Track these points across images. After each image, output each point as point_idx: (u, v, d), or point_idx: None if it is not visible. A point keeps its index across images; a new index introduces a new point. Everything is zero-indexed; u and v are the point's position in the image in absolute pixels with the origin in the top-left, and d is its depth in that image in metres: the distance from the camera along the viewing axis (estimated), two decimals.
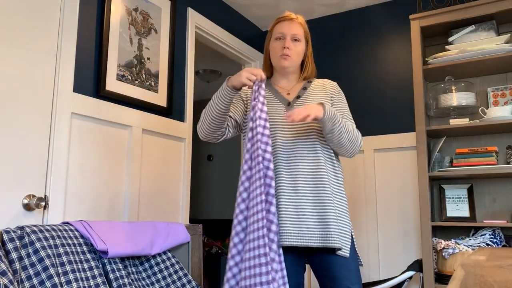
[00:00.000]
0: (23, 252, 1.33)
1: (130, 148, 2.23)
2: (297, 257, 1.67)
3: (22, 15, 1.81)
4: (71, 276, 1.38)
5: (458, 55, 2.48)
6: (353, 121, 1.76)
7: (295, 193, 1.60)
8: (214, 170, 5.67)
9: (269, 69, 1.82)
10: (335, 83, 1.80)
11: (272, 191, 1.51)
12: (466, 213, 2.54)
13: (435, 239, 2.46)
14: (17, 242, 1.35)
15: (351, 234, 1.67)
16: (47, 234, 1.41)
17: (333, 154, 1.69)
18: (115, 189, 2.15)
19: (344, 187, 1.73)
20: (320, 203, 1.58)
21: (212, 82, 5.00)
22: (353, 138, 1.65)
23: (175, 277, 1.74)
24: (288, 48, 1.69)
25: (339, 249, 1.58)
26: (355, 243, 1.67)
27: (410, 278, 2.50)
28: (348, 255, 1.60)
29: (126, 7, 2.27)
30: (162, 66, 2.47)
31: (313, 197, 1.59)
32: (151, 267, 1.73)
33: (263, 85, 1.62)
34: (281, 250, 1.51)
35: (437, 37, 2.81)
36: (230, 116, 1.75)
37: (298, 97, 1.72)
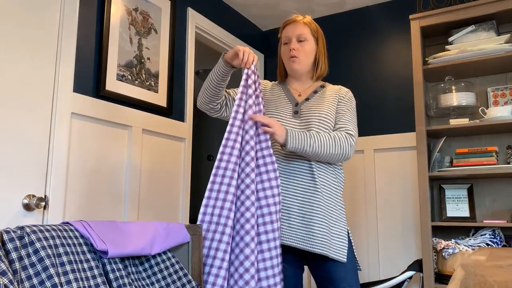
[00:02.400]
0: (23, 252, 1.33)
1: (130, 148, 2.23)
2: (295, 258, 1.67)
3: (22, 15, 1.81)
4: (71, 276, 1.38)
5: (458, 55, 2.48)
6: (351, 124, 1.70)
7: (285, 191, 1.62)
8: None
9: (284, 74, 1.84)
10: (347, 89, 1.79)
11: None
12: (466, 213, 2.54)
13: (435, 239, 2.46)
14: (17, 242, 1.35)
15: (349, 239, 1.67)
16: (47, 234, 1.41)
17: None
18: (115, 189, 2.15)
19: (342, 192, 1.73)
20: (307, 205, 1.59)
21: None
22: (332, 152, 1.60)
23: (175, 277, 1.74)
24: (294, 49, 1.70)
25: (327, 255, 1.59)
26: (353, 247, 1.68)
27: (410, 278, 2.50)
28: (345, 260, 1.60)
29: (126, 7, 2.27)
30: (162, 66, 2.47)
31: (302, 198, 1.61)
32: (151, 267, 1.73)
33: (253, 74, 1.64)
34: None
35: (437, 37, 2.81)
36: (232, 96, 1.78)
37: (307, 99, 1.73)
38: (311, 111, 1.68)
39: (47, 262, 1.33)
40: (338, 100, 1.75)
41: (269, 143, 1.59)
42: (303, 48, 1.72)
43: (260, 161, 1.56)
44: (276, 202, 1.52)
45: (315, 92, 1.75)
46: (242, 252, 1.45)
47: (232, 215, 1.48)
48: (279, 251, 1.50)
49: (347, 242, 1.64)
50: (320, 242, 1.56)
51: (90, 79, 2.08)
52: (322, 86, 1.79)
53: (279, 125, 1.57)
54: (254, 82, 1.64)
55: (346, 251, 1.62)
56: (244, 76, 1.62)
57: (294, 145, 1.55)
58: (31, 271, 1.30)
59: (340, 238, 1.62)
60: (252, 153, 1.54)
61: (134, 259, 1.70)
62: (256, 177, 1.54)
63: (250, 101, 1.60)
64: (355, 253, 1.68)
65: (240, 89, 1.61)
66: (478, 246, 2.33)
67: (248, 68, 1.62)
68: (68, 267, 1.39)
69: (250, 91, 1.61)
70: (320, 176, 1.64)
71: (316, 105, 1.70)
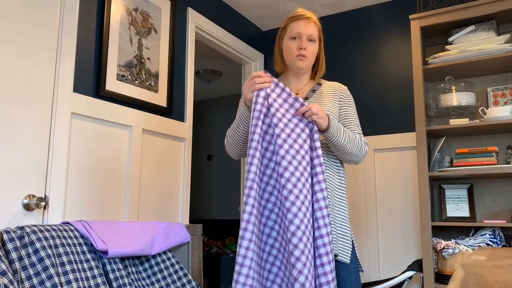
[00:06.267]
0: (23, 252, 1.33)
1: (130, 148, 2.23)
2: None
3: (22, 15, 1.81)
4: (71, 276, 1.38)
5: (458, 55, 2.48)
6: (360, 129, 1.73)
7: None
8: (214, 170, 5.67)
9: (282, 65, 1.78)
10: (345, 87, 1.77)
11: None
12: (466, 213, 2.54)
13: (435, 239, 2.46)
14: (17, 242, 1.35)
15: (352, 240, 1.67)
16: (47, 234, 1.41)
17: (338, 160, 1.69)
18: (115, 189, 2.15)
19: (346, 194, 1.72)
20: None
21: (212, 82, 5.00)
22: (354, 152, 1.62)
23: (175, 277, 1.74)
24: (305, 49, 1.66)
25: (336, 255, 1.58)
26: (355, 248, 1.68)
27: (410, 278, 2.50)
28: (348, 261, 1.60)
29: (126, 7, 2.27)
30: (162, 66, 2.47)
31: None
32: (151, 267, 1.73)
33: (269, 89, 1.53)
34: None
35: (437, 37, 2.81)
36: None
37: (306, 98, 1.72)
38: None
39: (47, 262, 1.33)
40: (340, 98, 1.73)
41: (319, 143, 1.50)
42: (312, 49, 1.69)
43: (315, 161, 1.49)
44: (326, 205, 1.43)
45: (313, 90, 1.74)
46: (292, 254, 1.36)
47: (256, 203, 1.38)
48: (331, 256, 1.42)
49: (351, 243, 1.64)
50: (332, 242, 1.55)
51: (90, 79, 2.08)
52: (319, 84, 1.77)
53: (319, 107, 1.52)
54: (274, 93, 1.52)
55: (350, 252, 1.62)
56: (260, 100, 1.49)
57: (333, 131, 1.54)
58: (31, 271, 1.30)
59: (344, 239, 1.62)
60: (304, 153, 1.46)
61: (134, 259, 1.70)
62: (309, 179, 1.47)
63: (283, 108, 1.50)
64: (357, 254, 1.68)
65: (256, 114, 1.48)
66: (478, 246, 2.33)
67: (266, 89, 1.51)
68: (68, 267, 1.39)
69: (275, 103, 1.50)
70: (327, 175, 1.63)
71: (318, 103, 1.69)
